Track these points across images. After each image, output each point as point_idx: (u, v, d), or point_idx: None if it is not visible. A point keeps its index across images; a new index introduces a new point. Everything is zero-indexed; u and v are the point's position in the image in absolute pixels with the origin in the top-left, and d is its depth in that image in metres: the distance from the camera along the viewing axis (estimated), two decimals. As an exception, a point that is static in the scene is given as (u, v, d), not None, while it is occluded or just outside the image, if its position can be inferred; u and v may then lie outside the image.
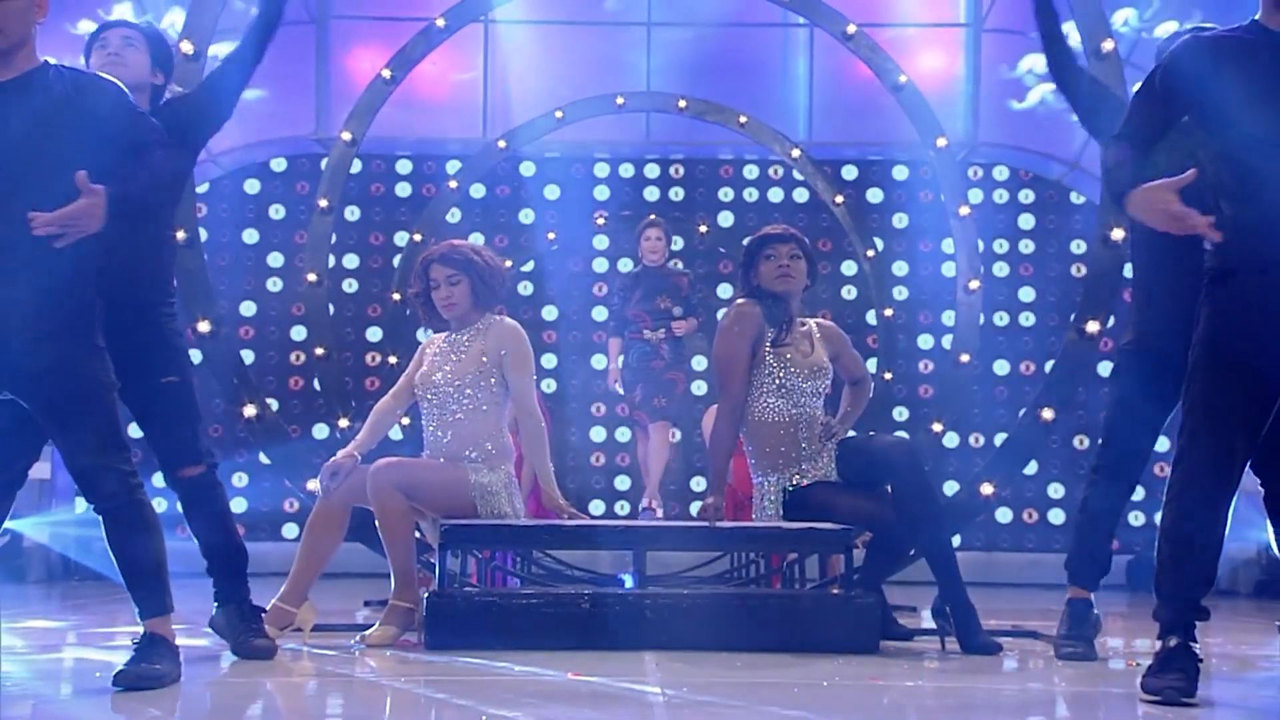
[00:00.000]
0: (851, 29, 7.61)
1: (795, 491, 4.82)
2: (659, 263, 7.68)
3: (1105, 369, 9.41)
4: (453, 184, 8.86)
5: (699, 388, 9.21)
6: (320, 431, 8.75)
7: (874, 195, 9.67)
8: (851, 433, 5.14)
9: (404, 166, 9.72)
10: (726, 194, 9.77)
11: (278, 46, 10.24)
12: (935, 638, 4.67)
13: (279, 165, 9.65)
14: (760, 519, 4.90)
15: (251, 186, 9.64)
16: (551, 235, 9.57)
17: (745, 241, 5.19)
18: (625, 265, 8.31)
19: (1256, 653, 5.02)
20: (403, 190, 9.70)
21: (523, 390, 4.87)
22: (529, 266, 9.61)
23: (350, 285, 9.61)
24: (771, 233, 5.06)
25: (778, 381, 4.86)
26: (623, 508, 9.30)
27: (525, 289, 9.62)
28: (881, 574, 4.86)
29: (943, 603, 4.60)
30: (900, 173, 9.66)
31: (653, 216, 7.92)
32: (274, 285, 9.58)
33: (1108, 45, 6.19)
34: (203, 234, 6.49)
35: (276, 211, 9.61)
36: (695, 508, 8.98)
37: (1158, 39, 8.89)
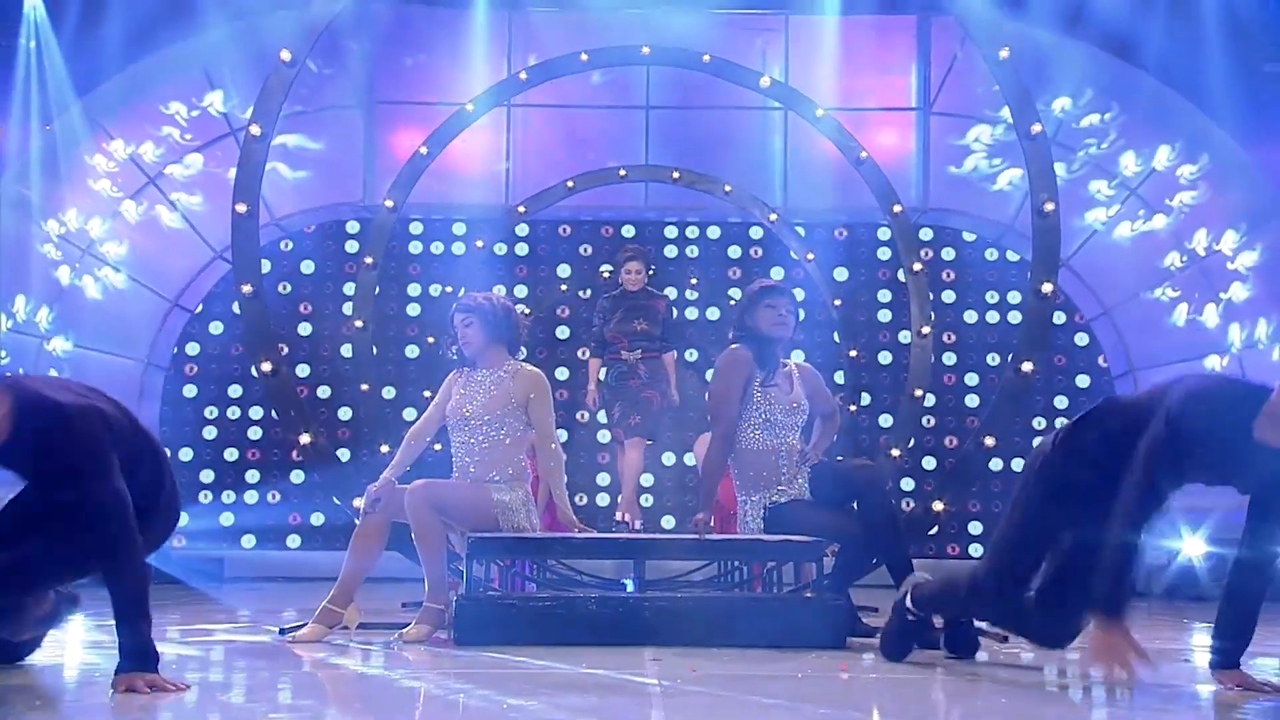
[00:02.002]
0: (820, 112, 7.66)
1: (774, 508, 4.81)
2: (638, 289, 7.22)
3: (1038, 403, 9.45)
4: (479, 243, 8.88)
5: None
6: (364, 455, 8.72)
7: (839, 253, 9.69)
8: (822, 458, 5.12)
9: (438, 228, 9.73)
10: (713, 252, 9.78)
11: (332, 128, 10.31)
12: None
13: (332, 227, 9.67)
14: (744, 532, 4.89)
15: (308, 245, 9.66)
16: (564, 287, 9.58)
17: (749, 287, 5.09)
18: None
19: (1169, 646, 4.99)
20: (436, 248, 9.70)
21: (546, 426, 4.89)
22: (544, 315, 9.62)
23: (391, 329, 9.61)
24: (774, 285, 5.03)
25: (763, 416, 4.85)
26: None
27: (541, 333, 9.62)
28: (848, 579, 4.84)
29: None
30: (862, 233, 9.68)
31: (631, 248, 7.57)
32: (327, 330, 9.58)
33: (1036, 127, 6.23)
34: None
35: (329, 267, 9.62)
36: (669, 522, 8.94)
37: (1075, 117, 9.00)
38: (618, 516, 7.15)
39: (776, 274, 9.44)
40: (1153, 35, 8.37)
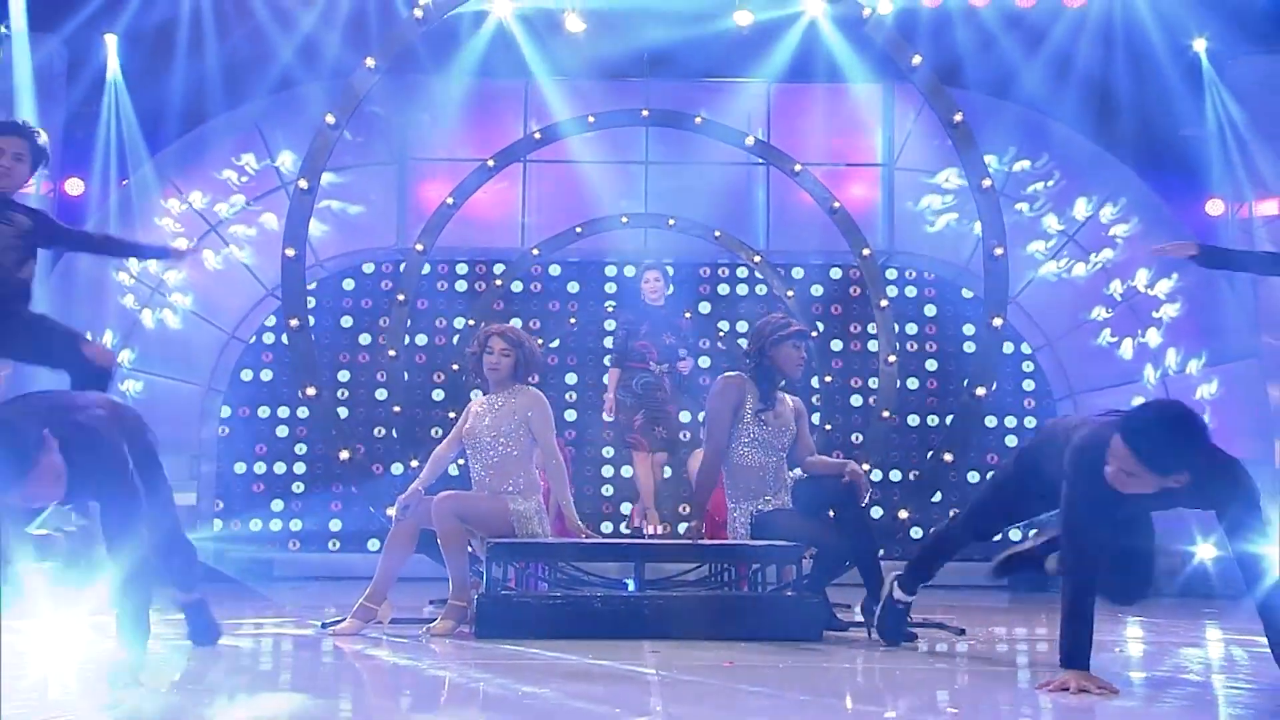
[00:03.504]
0: (798, 167, 7.69)
1: (760, 516, 4.80)
2: (660, 303, 7.00)
3: (991, 422, 9.44)
4: (498, 282, 8.89)
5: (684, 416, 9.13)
6: (396, 469, 8.71)
7: (816, 290, 9.69)
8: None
9: (461, 269, 9.74)
10: (704, 290, 9.80)
11: (370, 180, 10.38)
12: (865, 629, 4.62)
13: (369, 268, 9.68)
14: (733, 537, 4.88)
15: (348, 284, 9.67)
16: (573, 320, 9.59)
17: (775, 320, 4.93)
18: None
19: (1106, 638, 4.96)
20: (460, 286, 9.71)
21: (547, 441, 4.89)
22: (555, 344, 9.62)
23: (420, 358, 9.60)
24: (803, 330, 4.95)
25: (755, 437, 4.85)
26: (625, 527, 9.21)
27: (554, 360, 9.62)
28: (824, 580, 4.83)
29: (871, 602, 4.57)
30: (835, 274, 9.68)
31: (651, 261, 7.35)
32: (363, 358, 9.58)
33: (986, 182, 6.26)
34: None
35: (366, 303, 9.63)
36: (682, 528, 8.91)
37: (1017, 172, 9.08)
38: (647, 529, 6.94)
39: (758, 310, 9.44)
40: (1074, 102, 8.52)
